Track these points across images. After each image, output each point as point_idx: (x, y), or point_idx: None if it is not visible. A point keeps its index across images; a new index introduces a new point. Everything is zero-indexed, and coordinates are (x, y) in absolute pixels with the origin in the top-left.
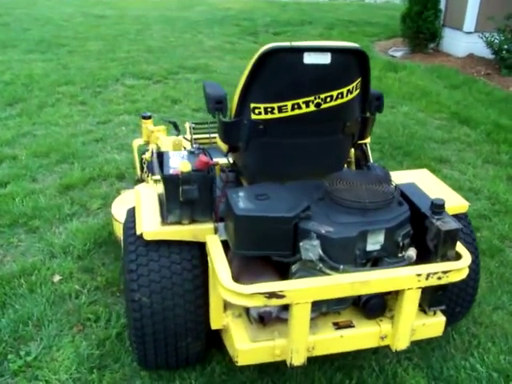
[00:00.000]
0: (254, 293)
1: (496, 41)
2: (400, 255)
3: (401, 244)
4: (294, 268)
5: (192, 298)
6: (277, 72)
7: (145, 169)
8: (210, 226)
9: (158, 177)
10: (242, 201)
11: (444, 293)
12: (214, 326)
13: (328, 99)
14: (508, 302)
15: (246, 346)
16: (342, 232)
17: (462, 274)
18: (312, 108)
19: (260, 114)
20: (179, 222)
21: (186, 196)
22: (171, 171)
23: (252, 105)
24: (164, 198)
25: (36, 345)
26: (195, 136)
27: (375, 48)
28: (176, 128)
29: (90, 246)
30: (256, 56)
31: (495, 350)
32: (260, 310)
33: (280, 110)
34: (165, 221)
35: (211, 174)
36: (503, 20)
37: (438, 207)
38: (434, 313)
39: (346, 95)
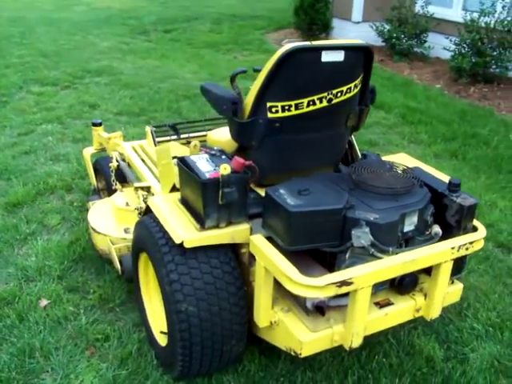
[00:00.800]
0: (327, 284)
1: (385, 30)
2: (427, 233)
3: (429, 222)
4: (345, 256)
5: (236, 300)
6: (296, 71)
7: (113, 177)
8: (246, 226)
9: (141, 184)
10: (289, 198)
11: (462, 262)
12: (262, 323)
13: (339, 94)
14: (476, 266)
15: (309, 337)
16: (387, 217)
17: (481, 243)
18: (324, 104)
19: (277, 112)
20: (216, 226)
21: (227, 199)
22: (208, 175)
23: (269, 104)
24: (197, 204)
25: (51, 376)
26: (158, 139)
27: (268, 40)
28: (176, 132)
29: (67, 265)
30: (277, 56)
31: (483, 309)
32: (315, 301)
33: (296, 107)
34: (202, 226)
35: (247, 174)
36: (389, 11)
37: (454, 186)
38: (452, 281)
39: (353, 89)
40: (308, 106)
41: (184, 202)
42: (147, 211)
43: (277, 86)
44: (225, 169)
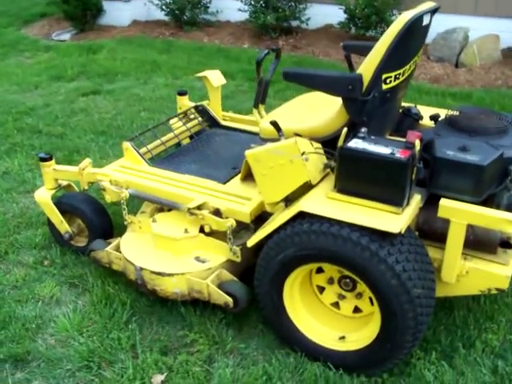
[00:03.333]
0: None
1: (168, 2)
2: None
3: None
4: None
5: (432, 269)
6: (411, 38)
7: (125, 210)
8: (418, 196)
9: (195, 203)
10: (466, 155)
11: None
12: (452, 279)
13: (417, 59)
14: None
15: (509, 271)
16: None
17: None
18: (412, 69)
19: (390, 82)
20: (407, 204)
21: (419, 174)
22: (402, 155)
23: (384, 75)
24: (388, 187)
25: None
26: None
27: (30, 35)
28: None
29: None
30: (400, 26)
31: None
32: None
33: (402, 74)
34: (400, 206)
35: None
36: None
37: None
38: None
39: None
40: (404, 72)
41: (357, 192)
42: (286, 222)
43: (394, 55)
44: (417, 145)
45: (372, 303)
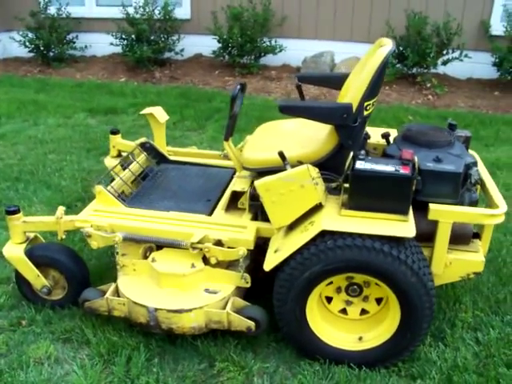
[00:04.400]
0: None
1: (33, 38)
2: None
3: None
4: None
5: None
6: (385, 69)
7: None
8: None
9: (197, 237)
10: (442, 165)
11: None
12: (440, 270)
13: None
14: None
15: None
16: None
17: None
18: None
19: (369, 109)
20: None
21: (417, 185)
22: (406, 171)
23: (366, 103)
24: (396, 199)
25: None
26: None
27: None
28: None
29: None
30: (380, 59)
31: None
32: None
33: (376, 101)
34: (406, 214)
35: None
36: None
37: None
38: None
39: None
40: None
41: (368, 207)
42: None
43: (375, 85)
44: (415, 160)
45: (378, 304)
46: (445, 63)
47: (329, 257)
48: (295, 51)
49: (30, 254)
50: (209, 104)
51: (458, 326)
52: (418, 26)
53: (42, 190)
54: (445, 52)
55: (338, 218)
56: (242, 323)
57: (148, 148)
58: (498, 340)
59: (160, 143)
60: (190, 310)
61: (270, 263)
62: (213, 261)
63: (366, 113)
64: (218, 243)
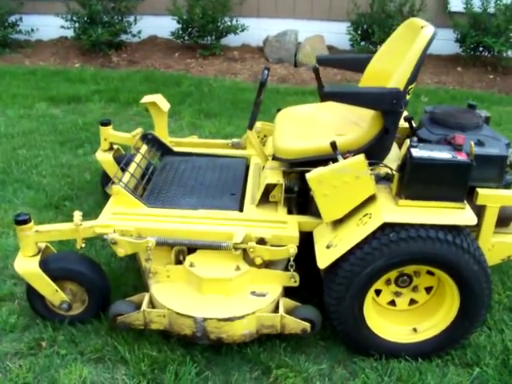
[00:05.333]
0: None
1: None
2: None
3: None
4: None
5: None
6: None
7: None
8: None
9: (237, 239)
10: (489, 149)
11: None
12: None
13: None
14: None
15: None
16: None
17: None
18: None
19: (410, 93)
20: None
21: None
22: (464, 158)
23: (409, 87)
24: (454, 186)
25: None
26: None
27: None
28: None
29: None
30: (428, 39)
31: None
32: None
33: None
34: (463, 201)
35: None
36: None
37: None
38: None
39: None
40: None
41: (425, 195)
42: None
43: (418, 68)
44: (472, 146)
45: (428, 293)
46: None
47: (392, 250)
48: (255, 30)
49: (46, 267)
50: (178, 88)
51: (496, 308)
52: (381, 2)
53: (23, 191)
54: None
55: (396, 209)
56: (297, 325)
57: (151, 140)
58: None
59: (162, 134)
60: (243, 317)
61: (324, 260)
62: (258, 261)
63: (407, 97)
64: (261, 241)
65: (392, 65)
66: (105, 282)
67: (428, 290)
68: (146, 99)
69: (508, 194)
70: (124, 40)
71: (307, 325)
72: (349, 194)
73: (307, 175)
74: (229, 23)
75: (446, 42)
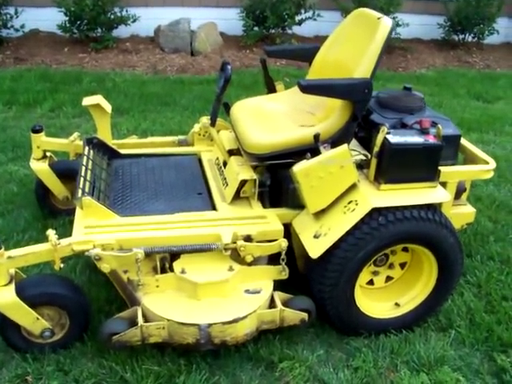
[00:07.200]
0: None
1: None
2: None
3: None
4: None
5: None
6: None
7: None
8: None
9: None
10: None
11: None
12: None
13: None
14: None
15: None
16: None
17: None
18: None
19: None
20: None
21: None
22: (435, 140)
23: None
24: (427, 167)
25: None
26: None
27: None
28: None
29: None
30: (389, 29)
31: None
32: None
33: None
34: (437, 180)
35: None
36: None
37: None
38: None
39: None
40: None
41: (403, 178)
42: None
43: (381, 56)
44: (440, 129)
45: (402, 268)
46: (300, 23)
47: (382, 233)
48: (144, 20)
49: (23, 294)
50: (79, 86)
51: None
52: None
53: None
54: (303, 12)
55: (381, 194)
56: (296, 317)
57: (97, 144)
58: (488, 279)
59: (106, 137)
60: (245, 317)
61: (316, 250)
62: (249, 259)
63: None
64: (248, 239)
65: (348, 55)
66: (86, 302)
67: (402, 265)
68: (88, 101)
69: (463, 170)
70: (4, 35)
71: (305, 315)
72: (334, 183)
73: (294, 169)
74: (119, 14)
75: (335, 24)
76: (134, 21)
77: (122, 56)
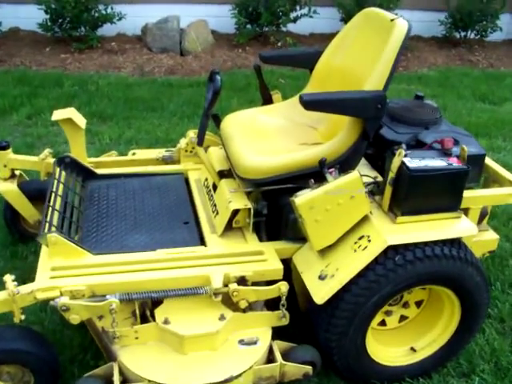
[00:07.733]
0: None
1: None
2: None
3: None
4: None
5: None
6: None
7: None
8: None
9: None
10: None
11: None
12: None
13: None
14: None
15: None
16: None
17: None
18: None
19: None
20: None
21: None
22: (459, 164)
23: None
24: (450, 194)
25: None
26: None
27: None
28: None
29: None
30: (404, 34)
31: None
32: None
33: None
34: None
35: None
36: None
37: None
38: None
39: None
40: None
41: (421, 209)
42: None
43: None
44: (465, 149)
45: (418, 307)
46: (295, 20)
47: (399, 275)
48: (130, 18)
49: None
50: (59, 90)
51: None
52: None
53: None
54: (298, 8)
55: (397, 229)
56: (298, 371)
57: (69, 164)
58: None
59: (81, 155)
60: (240, 375)
61: (321, 294)
62: (243, 304)
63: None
64: (242, 281)
65: (356, 63)
66: (53, 356)
67: (418, 303)
68: (58, 115)
69: (487, 194)
70: None
71: (309, 368)
72: (342, 216)
73: (296, 201)
74: (103, 11)
75: (331, 21)
76: (120, 19)
77: (107, 56)
